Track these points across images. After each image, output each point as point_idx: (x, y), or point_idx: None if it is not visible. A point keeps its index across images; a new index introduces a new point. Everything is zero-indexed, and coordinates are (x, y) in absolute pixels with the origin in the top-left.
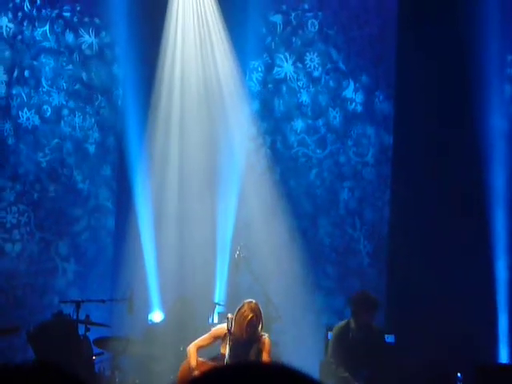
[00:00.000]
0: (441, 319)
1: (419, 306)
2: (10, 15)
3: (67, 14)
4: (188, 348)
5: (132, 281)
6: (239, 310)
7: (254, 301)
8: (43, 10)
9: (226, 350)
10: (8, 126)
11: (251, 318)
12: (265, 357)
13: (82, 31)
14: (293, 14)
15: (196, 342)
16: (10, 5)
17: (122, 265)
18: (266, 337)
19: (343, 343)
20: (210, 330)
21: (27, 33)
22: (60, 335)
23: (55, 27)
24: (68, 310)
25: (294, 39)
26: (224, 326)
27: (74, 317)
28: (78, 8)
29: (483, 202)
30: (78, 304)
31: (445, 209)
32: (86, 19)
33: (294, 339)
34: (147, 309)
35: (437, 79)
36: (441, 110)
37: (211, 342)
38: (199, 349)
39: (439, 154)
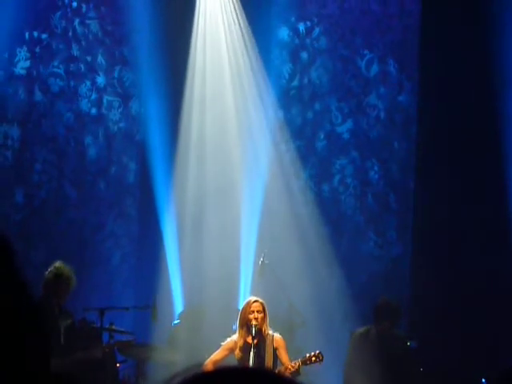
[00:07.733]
0: (464, 324)
1: (442, 311)
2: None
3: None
4: (204, 366)
5: (156, 288)
6: (243, 308)
7: (255, 298)
8: None
9: (239, 357)
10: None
11: (254, 313)
12: (284, 355)
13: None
14: (315, 20)
15: (210, 357)
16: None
17: (146, 272)
18: (277, 335)
19: (362, 350)
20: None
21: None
22: (83, 342)
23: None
24: (92, 317)
25: (316, 45)
26: (233, 337)
27: (98, 324)
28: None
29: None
30: (101, 311)
31: (471, 214)
32: (110, 28)
33: (319, 346)
34: (171, 316)
35: (460, 83)
36: (464, 113)
37: (226, 354)
38: (215, 363)
39: (464, 153)
